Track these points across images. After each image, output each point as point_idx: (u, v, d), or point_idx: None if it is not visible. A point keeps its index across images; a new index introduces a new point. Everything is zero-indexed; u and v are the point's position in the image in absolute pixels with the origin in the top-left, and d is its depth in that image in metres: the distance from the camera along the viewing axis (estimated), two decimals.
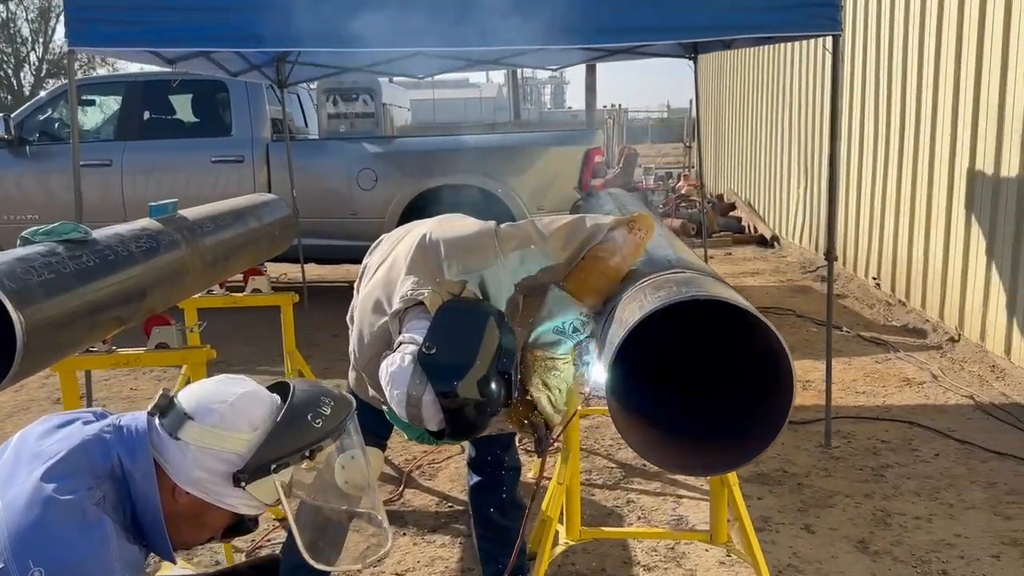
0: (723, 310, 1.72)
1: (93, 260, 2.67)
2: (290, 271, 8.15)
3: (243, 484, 1.46)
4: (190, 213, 3.65)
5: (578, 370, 2.07)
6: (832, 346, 4.26)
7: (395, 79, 10.07)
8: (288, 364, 4.34)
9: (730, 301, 1.68)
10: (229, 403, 1.49)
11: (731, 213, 12.38)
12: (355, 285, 2.52)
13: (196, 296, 4.21)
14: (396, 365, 1.90)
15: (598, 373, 1.95)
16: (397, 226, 7.55)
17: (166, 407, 1.48)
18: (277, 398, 1.57)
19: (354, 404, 1.62)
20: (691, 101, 22.64)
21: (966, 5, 5.63)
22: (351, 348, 2.33)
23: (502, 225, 2.21)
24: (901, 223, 6.86)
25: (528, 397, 2.07)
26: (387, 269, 2.24)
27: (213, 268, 3.63)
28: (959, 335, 5.85)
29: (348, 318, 2.60)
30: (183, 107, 8.15)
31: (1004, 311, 5.23)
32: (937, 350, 5.85)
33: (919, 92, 6.44)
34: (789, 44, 9.91)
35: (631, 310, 1.79)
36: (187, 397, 1.51)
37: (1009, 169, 5.16)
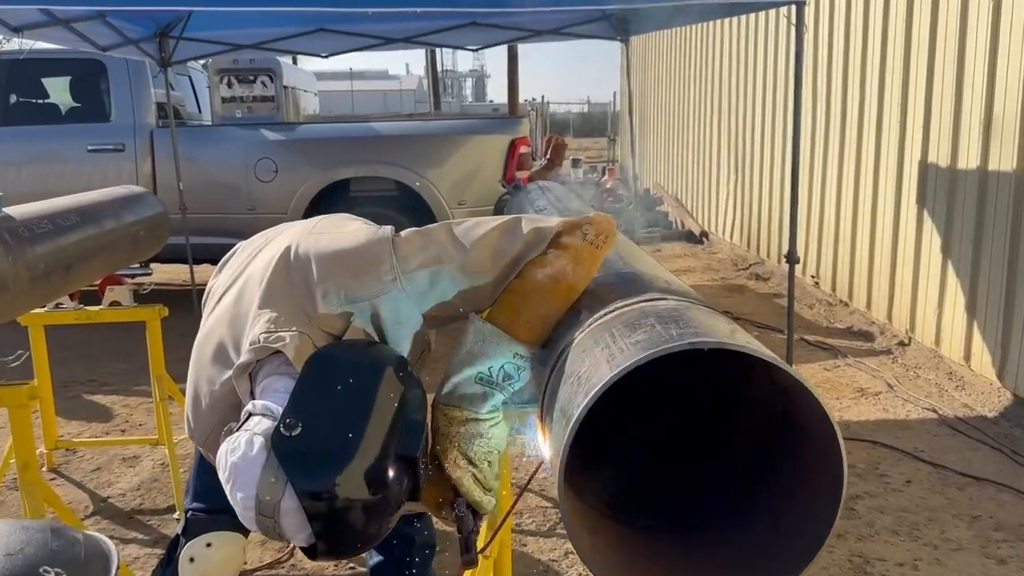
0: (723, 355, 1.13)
1: None
2: (182, 274, 7.33)
3: None
4: (19, 211, 2.89)
5: (513, 432, 1.46)
6: (778, 351, 3.76)
7: (307, 67, 9.31)
8: (156, 390, 3.61)
9: (748, 350, 1.09)
10: None
11: (658, 208, 11.97)
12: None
13: (40, 311, 3.47)
14: (240, 453, 1.25)
15: (542, 446, 1.34)
16: None
17: None
18: None
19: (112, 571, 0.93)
20: (615, 94, 22.29)
21: None
22: (185, 409, 1.66)
23: (403, 232, 1.56)
24: (843, 219, 6.47)
25: (444, 472, 1.45)
26: (235, 297, 1.57)
27: (48, 280, 2.88)
28: (909, 338, 5.47)
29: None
30: (56, 90, 7.21)
31: (963, 315, 4.83)
32: (887, 355, 5.46)
33: (863, 77, 6.03)
34: (719, 30, 9.51)
35: (594, 361, 1.18)
36: None
37: (967, 161, 4.76)
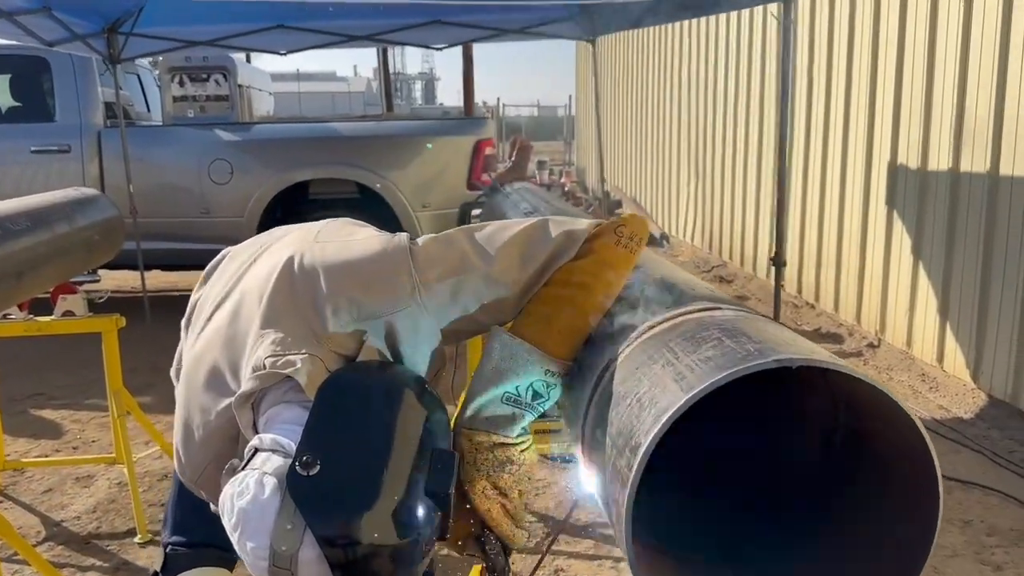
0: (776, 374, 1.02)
1: None
2: (131, 280, 7.03)
3: None
4: None
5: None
6: None
7: (259, 65, 9.05)
8: (113, 406, 3.38)
9: (845, 369, 0.98)
10: None
11: (617, 211, 11.92)
12: (182, 327, 1.66)
13: None
14: (249, 496, 1.09)
15: (585, 479, 1.20)
16: (259, 228, 6.45)
17: None
18: None
19: None
20: (570, 97, 22.23)
21: None
22: (174, 442, 1.47)
23: (420, 239, 1.40)
24: (808, 219, 6.46)
25: (469, 504, 1.30)
26: (230, 314, 1.39)
27: None
28: (879, 340, 5.46)
29: (173, 373, 1.75)
30: None
31: (935, 315, 4.83)
32: (857, 356, 5.44)
33: (828, 77, 6.02)
34: (678, 31, 9.49)
35: (656, 380, 1.05)
36: None
37: (939, 163, 4.76)
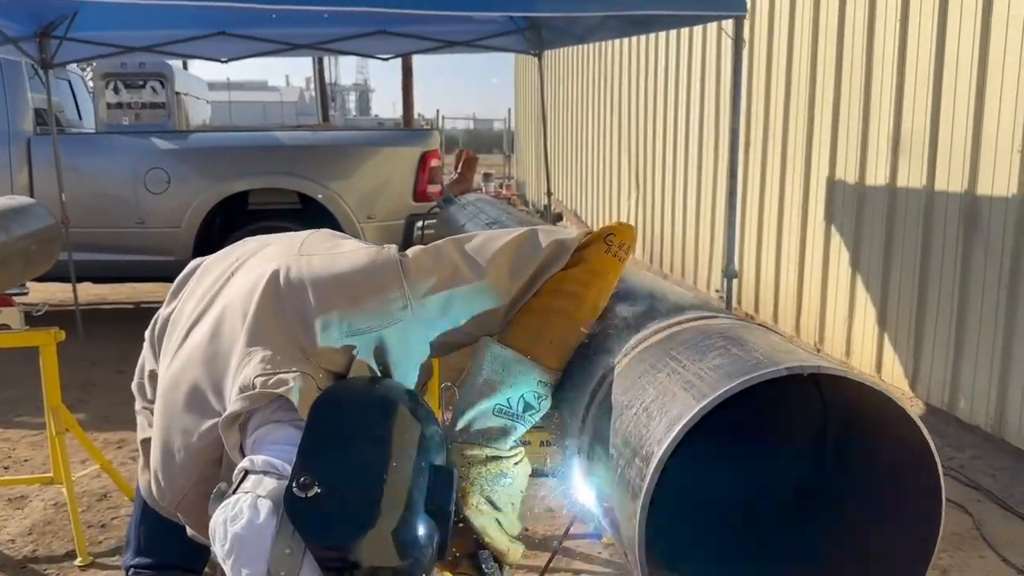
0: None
1: None
2: (59, 292, 6.76)
3: None
4: None
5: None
6: None
7: (195, 72, 8.85)
8: (51, 424, 3.23)
9: (852, 377, 0.98)
10: None
11: (558, 223, 12.01)
12: (147, 339, 1.59)
13: None
14: (244, 521, 1.04)
15: (584, 491, 1.19)
16: (196, 239, 6.21)
17: None
18: None
19: None
20: (509, 110, 22.29)
21: None
22: (152, 465, 1.40)
23: (410, 251, 1.37)
24: (748, 233, 6.59)
25: (462, 521, 1.28)
26: (210, 331, 1.33)
27: None
28: (818, 350, 5.59)
29: (135, 387, 1.67)
30: None
31: (873, 326, 4.97)
32: None
33: (768, 92, 6.16)
34: (618, 46, 9.61)
35: (663, 389, 1.04)
36: None
37: (876, 178, 4.91)
